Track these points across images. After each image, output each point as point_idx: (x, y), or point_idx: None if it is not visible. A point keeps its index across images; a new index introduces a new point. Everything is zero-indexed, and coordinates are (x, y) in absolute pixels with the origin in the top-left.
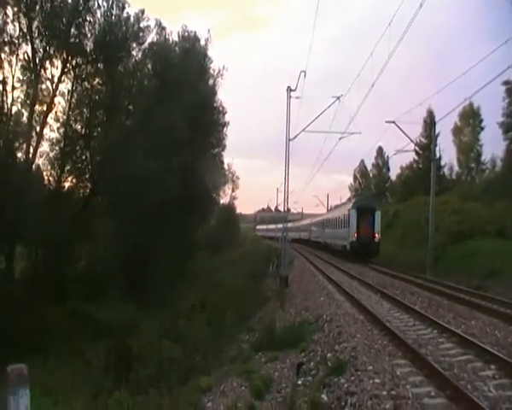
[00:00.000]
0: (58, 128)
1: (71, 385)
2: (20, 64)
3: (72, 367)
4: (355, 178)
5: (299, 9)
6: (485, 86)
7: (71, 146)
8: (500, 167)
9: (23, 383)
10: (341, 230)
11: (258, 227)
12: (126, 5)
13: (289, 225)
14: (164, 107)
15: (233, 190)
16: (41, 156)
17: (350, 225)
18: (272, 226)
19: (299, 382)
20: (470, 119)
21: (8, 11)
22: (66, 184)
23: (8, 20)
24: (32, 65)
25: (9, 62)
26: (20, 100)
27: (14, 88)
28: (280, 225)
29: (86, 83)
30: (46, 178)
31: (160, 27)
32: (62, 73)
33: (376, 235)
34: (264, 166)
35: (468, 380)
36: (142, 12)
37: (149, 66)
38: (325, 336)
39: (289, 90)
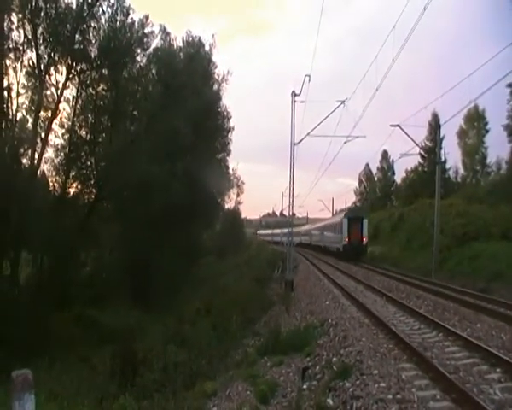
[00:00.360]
0: (63, 134)
1: (76, 390)
2: (24, 70)
3: (78, 372)
4: (360, 181)
5: (303, 14)
6: (489, 89)
7: (76, 152)
8: (505, 170)
9: (28, 389)
10: (336, 235)
11: (260, 232)
12: (131, 11)
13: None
14: (168, 112)
15: (238, 195)
16: (46, 162)
17: (342, 231)
18: (274, 231)
19: (305, 386)
20: (475, 121)
21: (12, 18)
22: (72, 190)
23: (13, 27)
24: (36, 71)
25: (14, 69)
26: (24, 106)
27: (18, 94)
28: (280, 230)
29: (91, 89)
30: (51, 184)
31: (165, 33)
32: (67, 79)
33: (364, 239)
34: (269, 171)
35: (473, 383)
36: (147, 17)
37: (154, 71)
38: (330, 340)
39: (294, 94)
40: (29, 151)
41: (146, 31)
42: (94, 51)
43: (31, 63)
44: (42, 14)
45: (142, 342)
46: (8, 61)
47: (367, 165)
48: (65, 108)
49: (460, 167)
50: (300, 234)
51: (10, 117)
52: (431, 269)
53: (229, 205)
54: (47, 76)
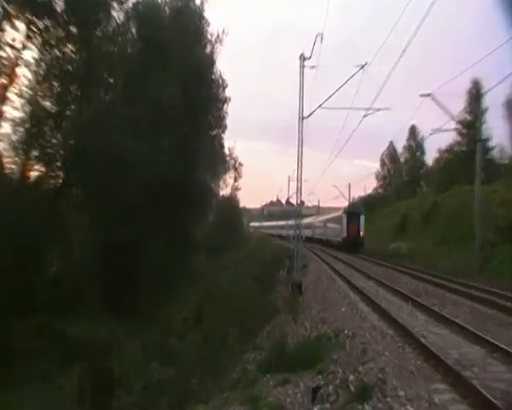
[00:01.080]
0: (22, 106)
1: None
2: None
3: (43, 396)
4: (383, 163)
5: None
6: None
7: (38, 127)
8: None
9: None
10: (336, 229)
11: (254, 224)
12: None
13: (291, 223)
14: (151, 75)
15: (235, 180)
16: (1, 140)
17: (342, 226)
18: (270, 224)
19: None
20: None
21: None
22: (33, 174)
23: None
24: None
25: None
26: None
27: None
28: (280, 223)
29: (56, 50)
30: (7, 165)
31: None
32: (27, 37)
33: (361, 233)
34: (272, 150)
35: None
36: None
37: (133, 30)
38: (347, 354)
39: (303, 58)
40: None
41: None
42: (60, 5)
43: None
44: None
45: (119, 359)
46: None
47: (391, 143)
48: (25, 74)
49: (507, 146)
50: (303, 227)
51: None
52: (472, 269)
53: (224, 191)
54: (1, 33)
